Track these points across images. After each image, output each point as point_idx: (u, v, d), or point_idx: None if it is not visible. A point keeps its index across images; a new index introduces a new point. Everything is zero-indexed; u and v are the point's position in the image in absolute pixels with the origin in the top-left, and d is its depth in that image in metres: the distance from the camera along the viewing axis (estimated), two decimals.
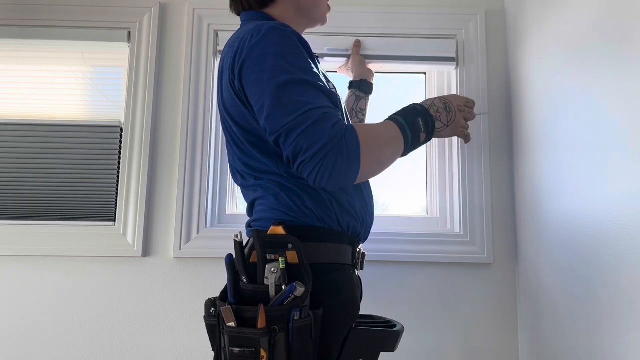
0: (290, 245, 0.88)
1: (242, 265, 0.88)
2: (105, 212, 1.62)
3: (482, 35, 1.68)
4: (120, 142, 1.63)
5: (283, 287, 0.84)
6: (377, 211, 1.75)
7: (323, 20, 1.16)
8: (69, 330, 1.53)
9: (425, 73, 1.79)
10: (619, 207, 1.04)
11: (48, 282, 1.55)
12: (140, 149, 1.61)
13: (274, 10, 1.07)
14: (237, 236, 0.89)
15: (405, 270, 1.57)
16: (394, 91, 1.83)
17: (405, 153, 0.99)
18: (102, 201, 1.62)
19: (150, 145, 1.61)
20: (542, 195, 1.40)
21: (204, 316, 0.91)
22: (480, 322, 1.56)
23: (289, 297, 0.83)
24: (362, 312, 1.05)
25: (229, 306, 0.83)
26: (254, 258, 0.90)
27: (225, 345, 0.85)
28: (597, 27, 1.13)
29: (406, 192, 1.76)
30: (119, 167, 1.62)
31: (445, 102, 1.11)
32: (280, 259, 0.85)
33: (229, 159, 1.07)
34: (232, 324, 0.83)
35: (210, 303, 0.90)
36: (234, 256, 0.89)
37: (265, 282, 0.85)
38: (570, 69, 1.25)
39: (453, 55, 1.65)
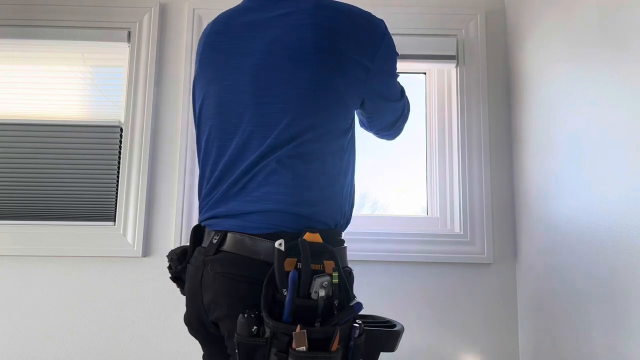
0: (327, 255, 0.82)
1: (285, 277, 0.79)
2: (105, 212, 1.62)
3: (482, 35, 1.68)
4: (120, 142, 1.63)
5: (335, 303, 0.79)
6: (377, 211, 1.76)
7: None
8: (68, 330, 1.53)
9: (425, 73, 1.79)
10: (618, 206, 1.04)
11: (48, 282, 1.55)
12: (140, 149, 1.61)
13: None
14: (280, 244, 0.80)
15: (405, 270, 1.57)
16: None
17: None
18: (102, 201, 1.62)
19: (150, 145, 1.61)
20: (542, 195, 1.40)
21: (239, 334, 0.78)
22: (480, 322, 1.56)
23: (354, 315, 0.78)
24: (362, 312, 1.05)
25: (304, 331, 0.75)
26: (288, 267, 0.81)
27: None
28: (596, 26, 1.13)
29: (406, 192, 1.76)
30: (119, 167, 1.62)
31: None
32: (333, 274, 0.80)
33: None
34: (303, 348, 0.75)
35: (253, 321, 0.78)
36: (275, 266, 0.80)
37: (313, 297, 0.78)
38: (570, 68, 1.25)
39: (453, 53, 1.65)
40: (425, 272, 1.58)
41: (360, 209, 1.76)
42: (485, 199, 1.60)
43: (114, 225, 1.59)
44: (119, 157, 1.62)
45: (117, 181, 1.62)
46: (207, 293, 0.88)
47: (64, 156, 1.62)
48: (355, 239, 1.57)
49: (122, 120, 1.64)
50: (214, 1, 1.69)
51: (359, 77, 0.93)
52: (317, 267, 0.80)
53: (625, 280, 1.01)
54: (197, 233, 0.99)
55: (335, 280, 0.79)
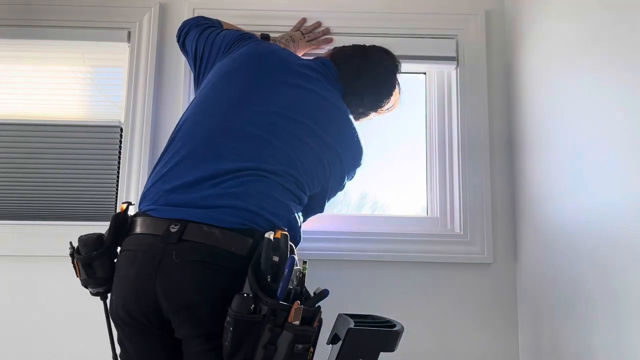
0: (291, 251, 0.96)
1: (271, 265, 0.90)
2: (105, 212, 1.62)
3: (482, 35, 1.68)
4: (120, 142, 1.63)
5: (303, 291, 0.92)
6: (377, 211, 1.76)
7: None
8: (69, 330, 1.53)
9: (425, 73, 1.79)
10: (618, 206, 1.04)
11: (48, 282, 1.55)
12: (140, 149, 1.61)
13: None
14: (270, 235, 0.91)
15: (405, 270, 1.57)
16: None
17: None
18: (102, 201, 1.62)
19: (150, 145, 1.61)
20: (542, 195, 1.40)
21: (238, 312, 0.85)
22: (480, 322, 1.56)
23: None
24: (362, 312, 1.05)
25: (302, 306, 0.87)
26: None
27: (283, 342, 0.86)
28: (596, 27, 1.13)
29: (406, 192, 1.76)
30: (119, 167, 1.62)
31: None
32: (303, 266, 0.92)
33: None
34: (297, 322, 0.86)
35: (251, 300, 0.86)
36: (263, 254, 0.90)
37: (289, 285, 0.90)
38: (570, 68, 1.25)
39: (453, 54, 1.65)
40: (425, 272, 1.57)
41: (361, 209, 1.76)
42: (485, 199, 1.60)
43: None
44: (119, 157, 1.62)
45: (117, 181, 1.62)
46: (170, 280, 0.92)
47: (63, 156, 1.62)
48: (356, 239, 1.57)
49: (122, 120, 1.64)
50: (214, 1, 1.69)
51: (333, 167, 1.16)
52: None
53: (625, 281, 1.01)
54: (122, 220, 1.02)
55: (304, 272, 0.92)
